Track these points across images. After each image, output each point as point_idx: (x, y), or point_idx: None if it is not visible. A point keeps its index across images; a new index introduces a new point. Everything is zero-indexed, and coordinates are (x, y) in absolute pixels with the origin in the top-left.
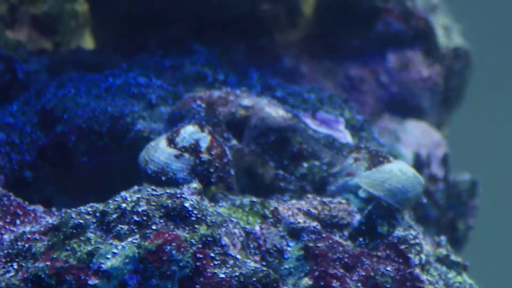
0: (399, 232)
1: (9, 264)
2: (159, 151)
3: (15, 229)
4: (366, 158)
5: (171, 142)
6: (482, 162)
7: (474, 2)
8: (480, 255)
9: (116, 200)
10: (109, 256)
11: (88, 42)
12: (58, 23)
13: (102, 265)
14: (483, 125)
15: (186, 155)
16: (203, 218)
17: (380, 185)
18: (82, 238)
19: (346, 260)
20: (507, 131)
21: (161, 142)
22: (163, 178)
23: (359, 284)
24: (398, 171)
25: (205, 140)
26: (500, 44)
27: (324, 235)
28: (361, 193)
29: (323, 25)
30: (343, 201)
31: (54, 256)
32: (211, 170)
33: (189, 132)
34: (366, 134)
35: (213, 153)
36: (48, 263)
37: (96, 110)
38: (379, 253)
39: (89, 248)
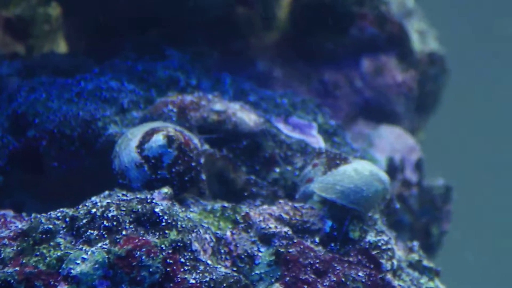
0: (371, 237)
1: None
2: (127, 150)
3: None
4: (324, 163)
5: (141, 145)
6: (456, 167)
7: (450, 7)
8: (454, 260)
9: (86, 205)
10: (78, 261)
11: (61, 46)
12: (31, 27)
13: (72, 271)
14: (458, 130)
15: (145, 168)
16: (174, 223)
17: (331, 188)
18: (52, 243)
19: (317, 265)
20: (482, 136)
21: (135, 139)
22: (120, 180)
23: None
24: (352, 171)
25: (169, 156)
26: (477, 49)
27: (295, 241)
28: (316, 198)
29: (298, 30)
30: (315, 206)
31: (24, 261)
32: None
33: (157, 143)
34: (339, 139)
35: (174, 170)
36: (17, 268)
37: (67, 114)
38: (350, 259)
39: (59, 254)
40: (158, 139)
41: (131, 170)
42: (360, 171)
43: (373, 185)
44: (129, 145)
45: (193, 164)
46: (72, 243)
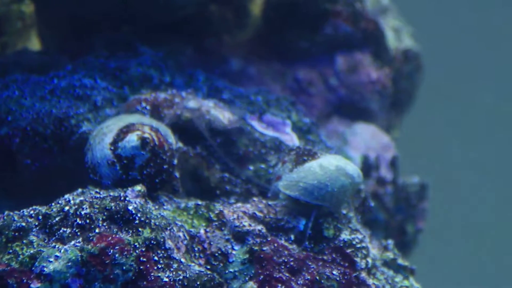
0: (345, 235)
1: None
2: (101, 145)
3: None
4: (292, 160)
5: (115, 142)
6: (431, 164)
7: (426, 4)
8: (430, 259)
9: (59, 203)
10: (51, 259)
11: (34, 43)
12: (4, 24)
13: (45, 269)
14: (433, 128)
15: (117, 167)
16: (147, 221)
17: (295, 185)
18: (25, 241)
19: (291, 263)
20: (457, 134)
21: (109, 135)
22: (91, 175)
23: None
24: (317, 167)
25: (141, 158)
26: (452, 47)
27: (269, 239)
28: (281, 196)
29: (271, 27)
30: (286, 204)
31: None
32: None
33: (131, 144)
34: (313, 137)
35: (145, 172)
36: None
37: (40, 112)
38: (325, 257)
39: (32, 251)
40: (132, 139)
41: (102, 166)
42: (325, 167)
43: (338, 180)
44: (103, 140)
45: (165, 166)
46: (45, 241)
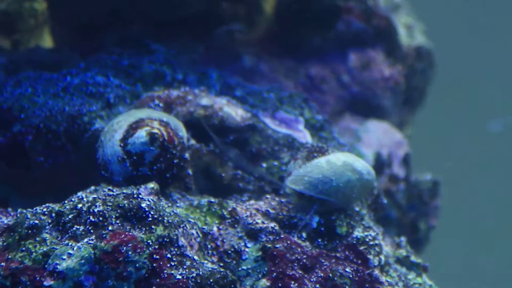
0: (358, 233)
1: None
2: (112, 142)
3: None
4: (303, 157)
5: (124, 139)
6: (444, 161)
7: (437, 1)
8: (442, 256)
9: (72, 200)
10: (64, 257)
11: (47, 41)
12: (17, 21)
13: (58, 266)
14: (446, 125)
15: (127, 163)
16: (160, 218)
17: (300, 180)
18: (38, 238)
19: (304, 261)
20: (469, 131)
21: (119, 131)
22: (103, 172)
23: (317, 286)
24: (324, 163)
25: (151, 154)
26: (465, 44)
27: (282, 236)
28: (288, 190)
29: (283, 24)
30: (294, 200)
31: (9, 256)
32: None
33: (140, 140)
34: (326, 134)
35: (155, 168)
36: (3, 264)
37: (53, 109)
38: (337, 254)
39: (45, 249)
40: (141, 135)
41: (113, 163)
42: (332, 162)
43: (344, 175)
44: (114, 137)
45: (176, 161)
46: (58, 239)
